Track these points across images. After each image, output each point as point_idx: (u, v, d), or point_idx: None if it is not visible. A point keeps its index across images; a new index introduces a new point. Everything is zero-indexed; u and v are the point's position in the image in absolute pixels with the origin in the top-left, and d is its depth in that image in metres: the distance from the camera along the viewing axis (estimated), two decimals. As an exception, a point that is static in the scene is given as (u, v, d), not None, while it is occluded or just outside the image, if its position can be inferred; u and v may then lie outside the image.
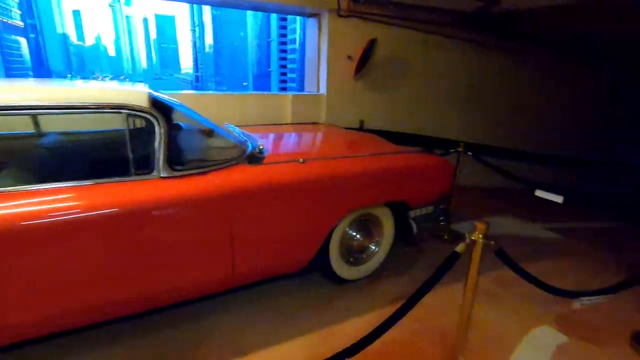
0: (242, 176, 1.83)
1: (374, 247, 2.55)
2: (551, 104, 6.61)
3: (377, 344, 1.96)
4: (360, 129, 4.69)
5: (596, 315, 2.38)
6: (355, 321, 2.17)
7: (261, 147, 2.16)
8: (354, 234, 2.45)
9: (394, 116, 5.09)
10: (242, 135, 2.44)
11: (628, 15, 5.87)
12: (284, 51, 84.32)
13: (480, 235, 1.41)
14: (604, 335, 2.21)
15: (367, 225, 2.52)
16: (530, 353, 2.00)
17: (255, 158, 2.05)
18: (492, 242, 1.45)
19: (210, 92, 4.39)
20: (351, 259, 2.47)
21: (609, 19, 5.86)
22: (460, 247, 1.43)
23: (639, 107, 7.81)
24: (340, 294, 2.42)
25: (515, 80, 6.17)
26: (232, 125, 2.78)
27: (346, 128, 4.30)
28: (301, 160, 2.10)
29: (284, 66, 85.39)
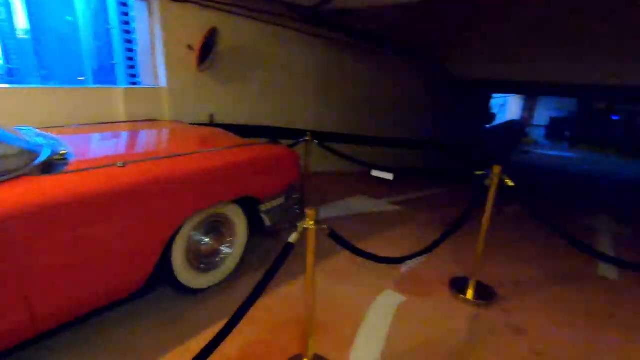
0: (25, 191, 1.42)
1: (227, 249, 2.41)
2: (389, 95, 7.60)
3: (235, 351, 1.85)
4: (211, 124, 4.42)
5: (424, 272, 2.81)
6: (213, 331, 2.00)
7: (63, 152, 1.74)
8: (202, 238, 2.26)
9: (246, 109, 4.98)
10: (37, 139, 1.93)
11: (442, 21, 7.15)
12: (130, 41, 74.27)
13: (312, 222, 1.43)
14: (431, 287, 2.62)
15: (217, 226, 2.35)
16: (376, 318, 2.20)
17: (52, 166, 1.63)
18: (325, 227, 1.49)
19: (12, 86, 3.43)
20: (202, 266, 2.27)
21: (427, 23, 7.01)
22: (293, 238, 1.42)
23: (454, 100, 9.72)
24: (195, 306, 2.20)
25: (360, 73, 6.83)
26: (26, 127, 2.18)
27: (194, 124, 3.98)
28: (120, 163, 1.77)
29: (131, 58, 75.41)
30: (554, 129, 21.63)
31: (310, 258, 1.47)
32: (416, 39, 7.41)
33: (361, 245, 3.18)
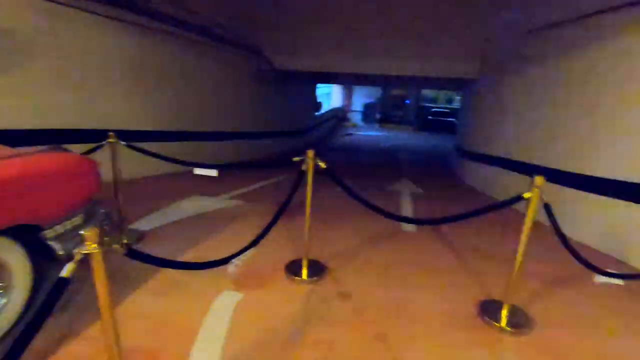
0: None
1: (-2, 298, 1.80)
2: (220, 87, 7.29)
3: None
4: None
5: (261, 263, 2.82)
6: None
7: None
8: (-54, 293, 1.60)
9: (27, 109, 3.89)
10: None
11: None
12: None
13: (93, 246, 1.16)
14: (268, 277, 2.64)
15: (-25, 272, 1.72)
16: (213, 324, 2.07)
17: None
18: (119, 246, 1.24)
19: None
20: (-46, 331, 1.62)
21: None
22: (67, 271, 1.12)
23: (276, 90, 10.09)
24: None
25: (187, 66, 6.28)
26: None
27: None
28: None
29: None
30: (368, 113, 25.66)
31: (101, 289, 1.20)
32: (235, 29, 7.32)
33: (195, 250, 3.01)
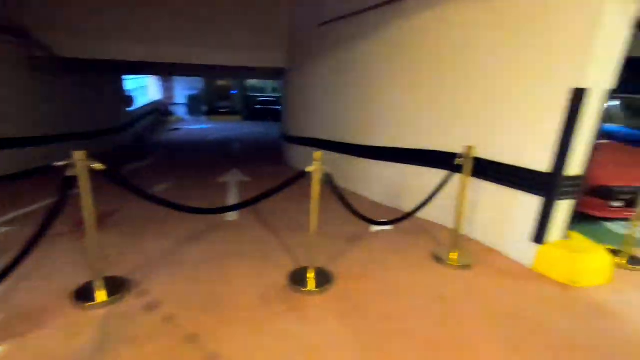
0: None
1: None
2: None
3: None
4: None
5: (31, 302, 2.25)
6: None
7: None
8: None
9: None
10: None
11: None
12: None
13: None
14: (45, 315, 2.13)
15: None
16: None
17: None
18: None
19: None
20: None
21: None
22: None
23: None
24: None
25: None
26: None
27: None
28: None
29: None
30: (193, 106, 24.21)
31: None
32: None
33: None
